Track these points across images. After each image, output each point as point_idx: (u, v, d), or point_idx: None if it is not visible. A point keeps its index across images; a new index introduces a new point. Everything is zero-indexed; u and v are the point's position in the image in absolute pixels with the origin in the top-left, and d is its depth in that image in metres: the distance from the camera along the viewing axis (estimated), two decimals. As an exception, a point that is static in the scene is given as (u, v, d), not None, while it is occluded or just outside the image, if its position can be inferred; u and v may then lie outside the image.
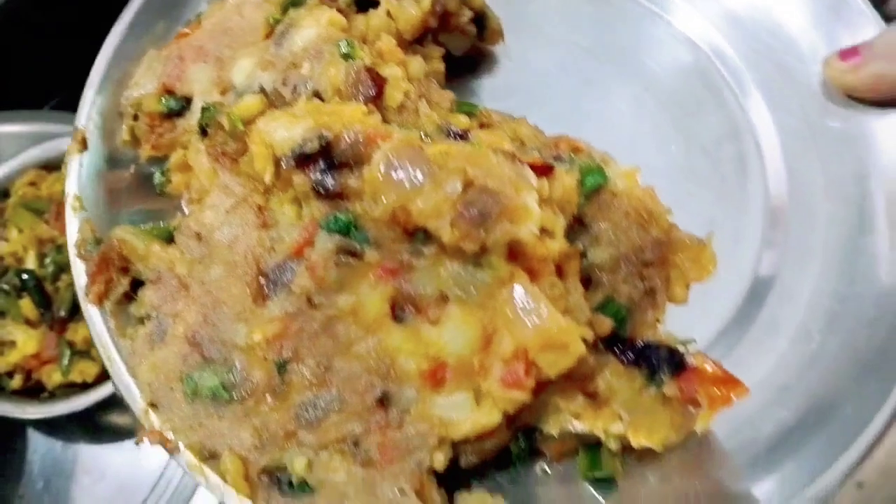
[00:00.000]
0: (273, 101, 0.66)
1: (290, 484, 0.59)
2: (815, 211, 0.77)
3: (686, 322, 0.68)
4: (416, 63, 0.71)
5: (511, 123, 0.73)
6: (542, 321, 0.55)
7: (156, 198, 0.76)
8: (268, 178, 0.60)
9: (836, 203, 0.77)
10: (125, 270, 0.67)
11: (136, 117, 0.74)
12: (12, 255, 1.18)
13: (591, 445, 0.66)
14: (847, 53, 0.78)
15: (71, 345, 1.15)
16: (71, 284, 1.15)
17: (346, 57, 0.65)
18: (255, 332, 0.61)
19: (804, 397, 0.69)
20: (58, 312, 1.15)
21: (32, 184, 1.21)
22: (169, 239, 0.69)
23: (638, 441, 0.62)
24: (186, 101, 0.72)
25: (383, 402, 0.59)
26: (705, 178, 0.80)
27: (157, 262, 0.66)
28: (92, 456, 1.15)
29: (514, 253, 0.56)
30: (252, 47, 0.70)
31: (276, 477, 0.60)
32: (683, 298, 0.67)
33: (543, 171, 0.61)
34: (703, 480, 0.67)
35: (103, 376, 1.12)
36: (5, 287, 1.15)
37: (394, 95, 0.65)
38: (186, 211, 0.74)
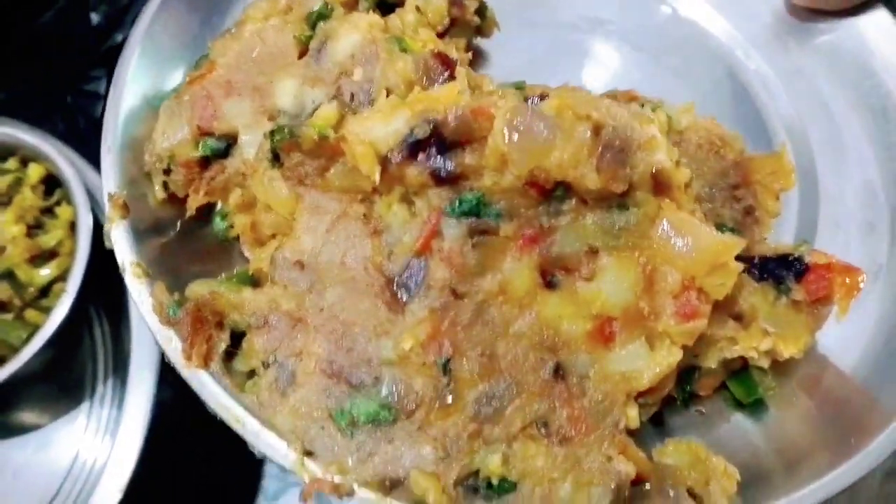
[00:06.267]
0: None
1: (490, 485, 0.54)
2: (837, 114, 0.80)
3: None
4: (454, 51, 0.70)
5: (559, 90, 0.73)
6: (704, 244, 0.55)
7: (207, 250, 0.69)
8: (376, 177, 0.56)
9: (855, 107, 0.80)
10: (220, 325, 0.60)
11: (167, 171, 0.68)
12: None
13: (738, 372, 0.66)
14: None
15: (-39, 338, 1.00)
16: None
17: (404, 51, 0.64)
18: (405, 341, 0.56)
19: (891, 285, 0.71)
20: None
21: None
22: (253, 283, 0.63)
23: (788, 351, 0.63)
24: (230, 139, 0.66)
25: (559, 374, 0.56)
26: (724, 115, 0.83)
27: (255, 307, 0.60)
28: (-8, 453, 1.01)
29: (658, 185, 0.56)
30: (290, 68, 0.67)
31: (472, 485, 0.55)
32: (777, 210, 0.69)
33: (637, 111, 0.62)
34: (833, 389, 0.68)
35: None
36: None
37: (461, 77, 0.63)
38: (248, 255, 0.69)
